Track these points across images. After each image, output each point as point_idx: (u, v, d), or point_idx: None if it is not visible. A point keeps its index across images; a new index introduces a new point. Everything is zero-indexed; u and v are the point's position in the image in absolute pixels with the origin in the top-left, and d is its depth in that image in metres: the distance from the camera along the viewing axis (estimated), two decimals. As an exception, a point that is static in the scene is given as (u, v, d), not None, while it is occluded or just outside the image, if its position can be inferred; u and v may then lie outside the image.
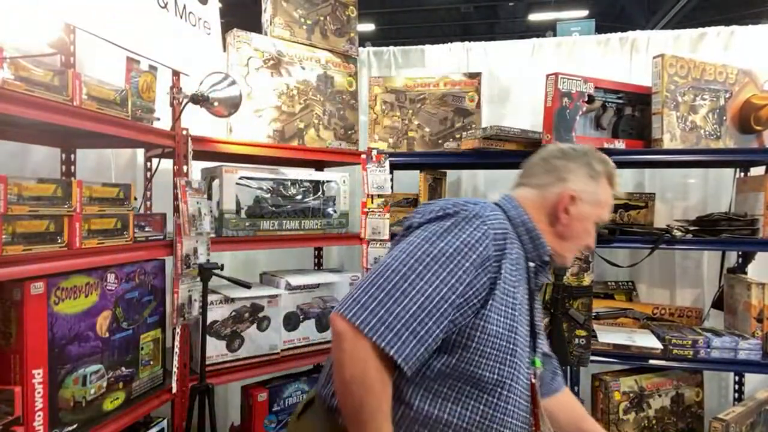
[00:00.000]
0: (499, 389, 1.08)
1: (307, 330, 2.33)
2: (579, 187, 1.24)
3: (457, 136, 2.54)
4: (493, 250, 1.07)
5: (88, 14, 1.47)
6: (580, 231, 1.26)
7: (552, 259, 1.26)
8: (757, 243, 2.24)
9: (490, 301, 1.06)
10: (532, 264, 1.21)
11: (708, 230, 2.29)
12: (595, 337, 2.29)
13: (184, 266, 1.87)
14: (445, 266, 1.03)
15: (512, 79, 2.91)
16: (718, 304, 2.55)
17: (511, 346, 1.09)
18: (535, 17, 11.42)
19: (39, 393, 1.34)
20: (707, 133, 2.36)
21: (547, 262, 1.25)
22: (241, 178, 2.13)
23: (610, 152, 2.27)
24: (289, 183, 2.30)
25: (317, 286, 2.37)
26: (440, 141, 2.61)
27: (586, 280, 2.19)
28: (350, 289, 1.06)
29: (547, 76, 2.20)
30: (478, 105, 2.59)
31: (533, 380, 1.18)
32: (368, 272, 1.08)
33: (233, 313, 2.11)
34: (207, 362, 1.94)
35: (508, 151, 2.30)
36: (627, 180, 2.85)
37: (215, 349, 2.06)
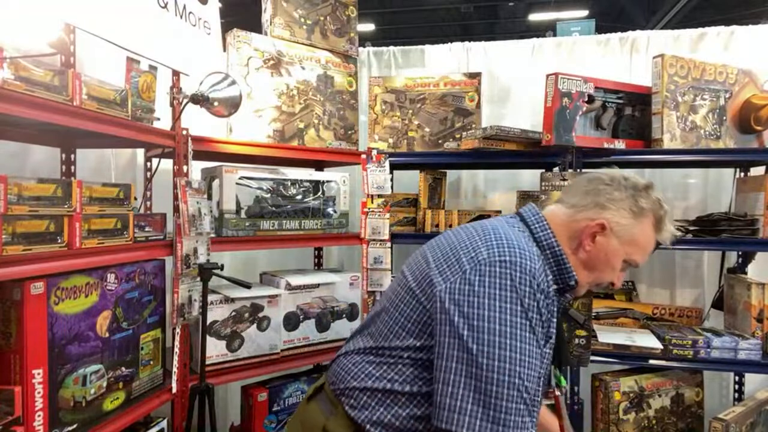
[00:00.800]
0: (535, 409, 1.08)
1: (307, 330, 2.33)
2: (614, 219, 1.16)
3: (457, 136, 2.54)
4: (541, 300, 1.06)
5: (88, 14, 1.47)
6: (602, 264, 1.19)
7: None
8: (757, 243, 2.24)
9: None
10: (555, 287, 1.18)
11: (708, 230, 2.29)
12: (595, 337, 2.29)
13: (184, 266, 1.87)
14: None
15: (512, 79, 2.92)
16: (718, 304, 2.55)
17: (541, 370, 1.09)
18: (535, 17, 11.41)
19: (39, 393, 1.34)
20: (707, 133, 2.37)
21: (573, 287, 1.20)
22: (241, 178, 2.14)
23: (609, 152, 2.30)
24: (289, 183, 2.30)
25: (317, 286, 2.37)
26: (440, 141, 2.61)
27: (586, 280, 2.19)
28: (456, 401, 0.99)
29: (547, 76, 2.20)
30: (478, 105, 2.59)
31: (558, 394, 1.20)
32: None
33: (233, 313, 2.11)
34: (207, 362, 1.94)
35: (508, 151, 2.30)
36: (627, 180, 2.85)
37: (215, 349, 2.06)
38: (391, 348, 1.11)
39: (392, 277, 2.41)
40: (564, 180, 2.18)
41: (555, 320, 1.13)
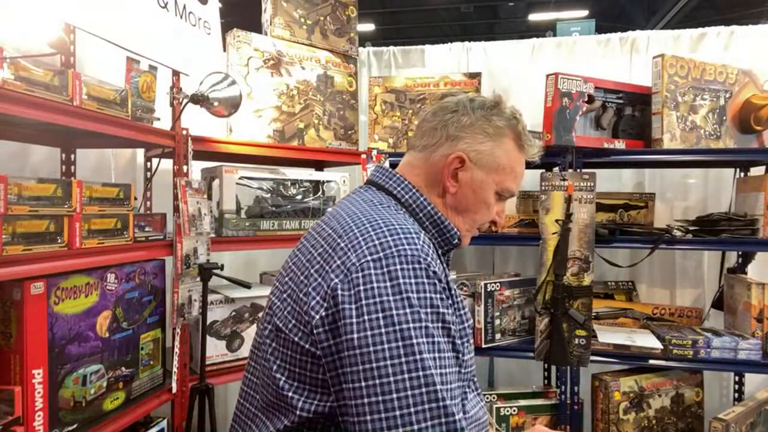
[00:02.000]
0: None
1: (307, 330, 2.33)
2: (471, 147, 1.01)
3: (457, 136, 2.53)
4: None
5: (88, 14, 1.47)
6: (474, 202, 1.04)
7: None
8: (757, 243, 2.24)
9: None
10: (440, 250, 1.03)
11: (708, 230, 2.29)
12: (595, 337, 2.29)
13: (184, 266, 1.87)
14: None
15: (512, 79, 2.91)
16: (718, 304, 2.55)
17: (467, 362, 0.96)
18: (535, 17, 11.41)
19: (39, 393, 1.34)
20: (707, 133, 2.36)
21: (457, 244, 1.06)
22: (241, 178, 2.13)
23: (610, 152, 2.31)
24: (289, 183, 2.30)
25: (317, 286, 2.36)
26: (440, 141, 2.60)
27: (586, 280, 2.19)
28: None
29: (547, 76, 2.20)
30: (478, 105, 2.59)
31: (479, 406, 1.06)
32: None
33: (233, 313, 2.11)
34: (207, 362, 1.94)
35: (508, 151, 2.29)
36: (627, 180, 2.85)
37: (215, 349, 2.06)
38: (294, 429, 0.88)
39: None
40: (564, 180, 2.18)
41: (459, 301, 0.95)
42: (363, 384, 0.78)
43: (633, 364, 2.34)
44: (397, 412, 0.77)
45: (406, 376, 0.78)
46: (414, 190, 1.02)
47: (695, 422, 2.39)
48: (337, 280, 0.84)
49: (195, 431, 1.87)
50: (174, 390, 1.88)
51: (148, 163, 2.16)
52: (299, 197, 2.33)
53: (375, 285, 0.82)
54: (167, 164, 1.99)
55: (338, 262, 0.86)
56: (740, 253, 2.51)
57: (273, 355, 0.91)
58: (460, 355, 0.89)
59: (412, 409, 0.77)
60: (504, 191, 1.06)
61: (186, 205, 1.88)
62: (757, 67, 2.43)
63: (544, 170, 2.46)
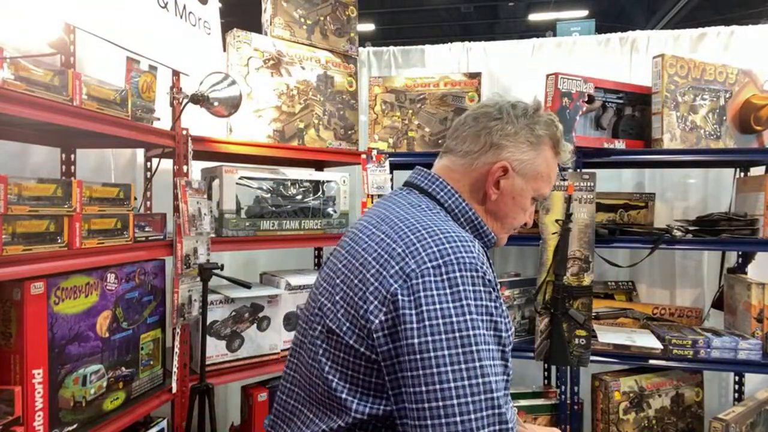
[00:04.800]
0: None
1: (307, 330, 2.33)
2: (515, 157, 1.02)
3: (457, 136, 2.53)
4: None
5: (88, 14, 1.47)
6: (512, 208, 1.06)
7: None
8: (757, 243, 2.24)
9: None
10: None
11: (708, 230, 2.29)
12: (595, 337, 2.29)
13: (184, 266, 1.87)
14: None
15: (512, 79, 2.92)
16: (718, 304, 2.55)
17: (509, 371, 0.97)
18: (535, 17, 11.41)
19: (39, 393, 1.34)
20: (707, 133, 2.37)
21: (492, 246, 1.09)
22: (241, 178, 2.13)
23: (610, 152, 2.31)
24: (289, 183, 2.30)
25: (317, 286, 2.36)
26: (440, 141, 2.61)
27: (586, 280, 2.19)
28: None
29: (547, 76, 2.20)
30: (478, 105, 2.59)
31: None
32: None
33: (233, 313, 2.11)
34: (207, 362, 1.94)
35: (508, 151, 2.30)
36: (627, 180, 2.85)
37: (215, 349, 2.06)
38: (347, 429, 0.88)
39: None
40: (564, 180, 2.18)
41: (504, 308, 0.95)
42: (423, 389, 0.80)
43: (633, 364, 2.34)
44: (458, 418, 0.78)
45: (466, 382, 0.79)
46: (456, 195, 1.03)
47: (695, 422, 2.39)
48: (396, 286, 0.85)
49: (195, 431, 1.87)
50: (174, 390, 1.88)
51: (148, 163, 2.16)
52: (299, 197, 2.33)
53: (435, 292, 0.83)
54: (167, 164, 1.99)
55: (396, 267, 0.87)
56: (740, 253, 2.51)
57: (324, 357, 0.92)
58: (508, 363, 0.90)
59: (473, 416, 0.79)
60: (540, 196, 1.09)
61: (186, 205, 1.88)
62: (757, 67, 2.43)
63: (544, 170, 2.45)
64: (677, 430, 2.37)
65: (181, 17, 1.88)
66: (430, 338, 0.81)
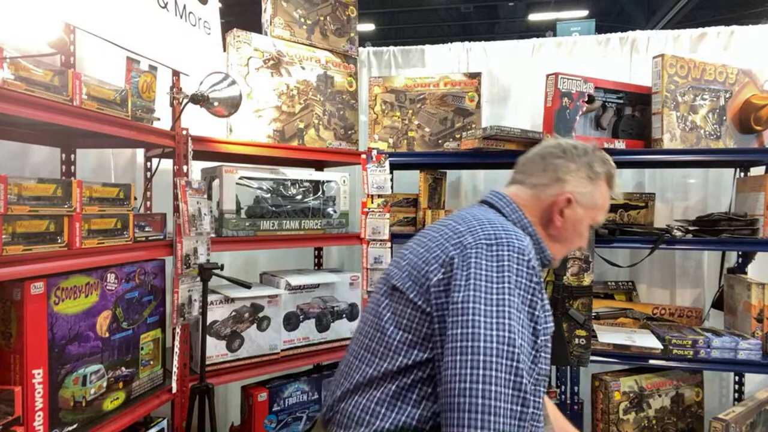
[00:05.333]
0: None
1: (307, 330, 2.33)
2: (577, 189, 1.20)
3: (457, 136, 2.54)
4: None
5: (88, 14, 1.47)
6: (572, 234, 1.23)
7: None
8: (757, 243, 2.24)
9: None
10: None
11: (708, 230, 2.29)
12: (595, 337, 2.29)
13: (184, 266, 1.87)
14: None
15: (512, 79, 2.92)
16: (718, 304, 2.55)
17: (545, 361, 1.08)
18: (535, 17, 11.41)
19: (39, 393, 1.34)
20: (707, 133, 2.37)
21: (547, 265, 1.25)
22: (241, 178, 2.13)
23: (610, 152, 2.29)
24: (289, 183, 2.30)
25: (317, 286, 2.37)
26: (440, 141, 2.61)
27: (586, 280, 2.19)
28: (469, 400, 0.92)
29: (547, 76, 2.21)
30: (478, 105, 2.59)
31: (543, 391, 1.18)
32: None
33: (233, 313, 2.11)
34: (207, 362, 1.94)
35: (508, 151, 2.30)
36: (627, 180, 2.85)
37: (215, 349, 2.06)
38: (398, 372, 1.04)
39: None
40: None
41: (547, 302, 1.09)
42: (459, 331, 0.96)
43: (633, 364, 2.34)
44: (480, 357, 0.93)
45: (494, 332, 0.95)
46: (520, 212, 1.21)
47: (695, 422, 2.39)
48: (454, 252, 1.04)
49: (195, 431, 1.87)
50: (174, 390, 1.88)
51: (148, 163, 2.16)
52: (299, 197, 2.33)
53: (484, 262, 1.01)
54: (167, 164, 1.99)
55: (455, 240, 1.07)
56: (740, 253, 2.51)
57: (385, 309, 1.11)
58: (540, 353, 1.02)
59: (494, 359, 0.93)
60: (595, 224, 1.28)
61: (186, 205, 1.88)
62: (757, 67, 2.43)
63: (544, 170, 2.45)
64: (677, 430, 2.37)
65: (181, 17, 1.88)
66: (472, 293, 0.98)
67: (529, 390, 0.94)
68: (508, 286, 0.99)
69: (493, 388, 0.91)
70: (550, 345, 1.08)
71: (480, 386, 0.91)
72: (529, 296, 1.00)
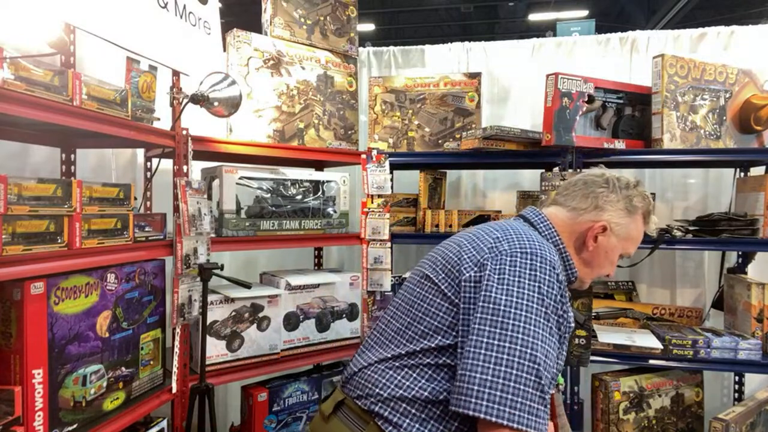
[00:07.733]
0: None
1: (307, 330, 2.33)
2: (614, 219, 1.27)
3: (457, 136, 2.54)
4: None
5: (88, 14, 1.47)
6: (603, 260, 1.30)
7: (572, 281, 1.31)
8: (757, 243, 2.24)
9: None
10: None
11: (708, 230, 2.29)
12: (595, 337, 2.29)
13: (184, 266, 1.87)
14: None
15: (512, 79, 2.91)
16: (718, 304, 2.55)
17: (558, 362, 1.14)
18: (535, 17, 11.40)
19: (39, 393, 1.34)
20: (707, 133, 2.37)
21: (572, 282, 1.31)
22: (241, 178, 2.14)
23: (610, 152, 2.30)
24: (289, 183, 2.30)
25: (317, 286, 2.37)
26: (440, 141, 2.61)
27: (586, 280, 2.19)
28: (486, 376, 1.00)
29: (547, 76, 2.20)
30: (478, 105, 2.59)
31: (553, 392, 1.23)
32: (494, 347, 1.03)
33: (233, 313, 2.11)
34: (207, 362, 1.94)
35: (508, 151, 2.30)
36: (627, 180, 2.85)
37: (215, 349, 2.06)
38: (420, 352, 1.12)
39: (392, 278, 2.41)
40: (564, 180, 2.18)
41: (571, 314, 1.17)
42: (485, 326, 1.03)
43: (633, 364, 2.34)
44: (497, 353, 1.00)
45: (517, 333, 1.01)
46: (553, 230, 1.28)
47: (695, 422, 2.39)
48: (488, 256, 1.12)
49: (195, 431, 1.87)
50: (174, 390, 1.88)
51: (148, 163, 2.16)
52: (299, 197, 2.33)
53: (518, 269, 1.08)
54: (167, 164, 1.99)
55: (490, 245, 1.14)
56: (740, 253, 2.51)
57: (414, 296, 1.20)
58: (558, 341, 1.09)
59: (509, 355, 1.00)
60: (626, 254, 1.34)
61: (186, 205, 1.88)
62: (757, 67, 2.43)
63: (544, 170, 2.45)
64: (677, 430, 2.36)
65: (181, 17, 1.88)
66: (502, 294, 1.05)
67: (545, 383, 1.00)
68: (538, 294, 1.05)
69: (512, 383, 0.98)
70: (566, 345, 1.17)
71: (500, 381, 0.98)
72: (554, 304, 1.07)
